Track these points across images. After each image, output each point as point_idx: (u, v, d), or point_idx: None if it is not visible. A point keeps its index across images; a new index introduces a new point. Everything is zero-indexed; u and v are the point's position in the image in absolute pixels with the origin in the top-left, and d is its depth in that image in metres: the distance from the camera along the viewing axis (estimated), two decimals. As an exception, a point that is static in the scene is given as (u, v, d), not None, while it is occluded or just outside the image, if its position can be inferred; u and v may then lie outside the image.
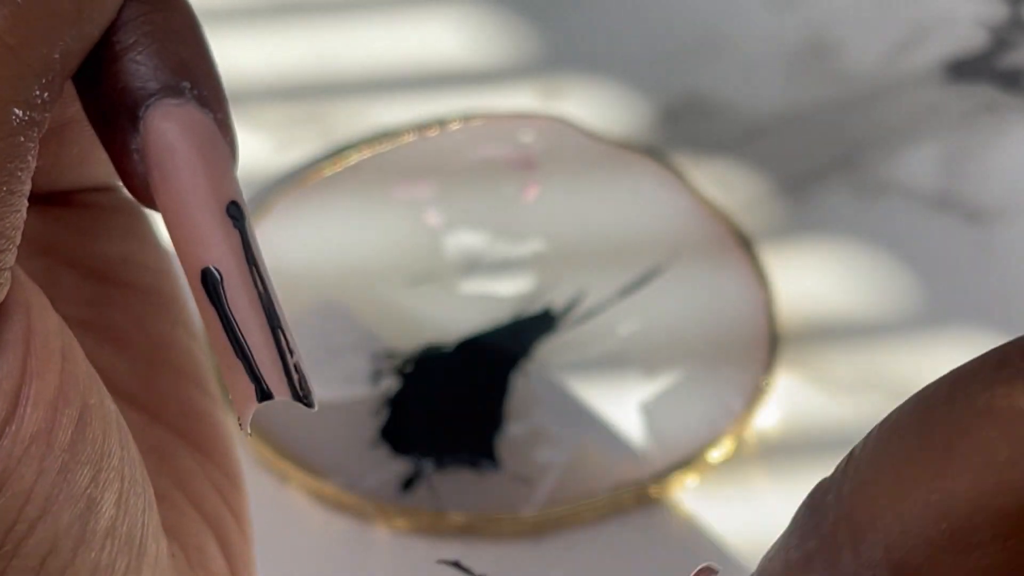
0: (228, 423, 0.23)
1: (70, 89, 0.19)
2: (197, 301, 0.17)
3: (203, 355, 0.23)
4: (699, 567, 0.16)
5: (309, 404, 0.17)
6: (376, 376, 0.41)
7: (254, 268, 0.18)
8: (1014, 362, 0.13)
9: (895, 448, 0.14)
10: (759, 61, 0.51)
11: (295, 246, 0.45)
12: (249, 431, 0.17)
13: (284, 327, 0.18)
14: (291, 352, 0.17)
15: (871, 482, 0.14)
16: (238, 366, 0.17)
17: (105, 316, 0.21)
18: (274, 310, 0.18)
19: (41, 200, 0.21)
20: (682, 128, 0.49)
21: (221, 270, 0.17)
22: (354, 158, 0.47)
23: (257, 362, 0.17)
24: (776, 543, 0.15)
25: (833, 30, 0.51)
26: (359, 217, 0.46)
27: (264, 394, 0.17)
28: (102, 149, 0.21)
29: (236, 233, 0.17)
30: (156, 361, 0.22)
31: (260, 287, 0.17)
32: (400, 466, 0.39)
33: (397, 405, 0.40)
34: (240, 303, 0.17)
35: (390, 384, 0.41)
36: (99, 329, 0.21)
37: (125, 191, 0.20)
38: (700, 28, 0.53)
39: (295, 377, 0.17)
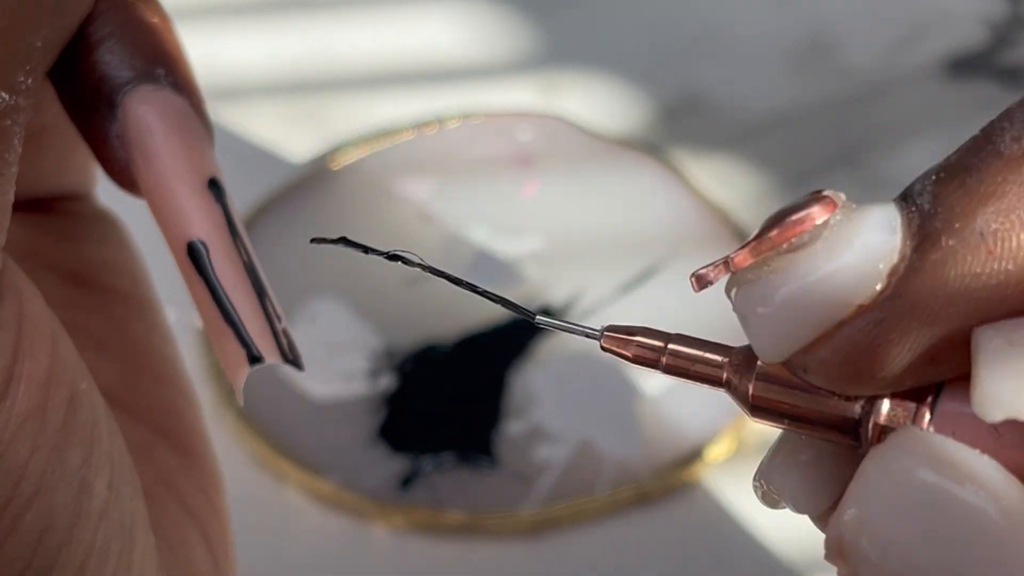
0: (206, 424, 0.23)
1: (45, 94, 0.19)
2: (184, 274, 0.18)
3: (180, 359, 0.23)
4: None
5: (298, 366, 0.18)
6: (375, 374, 0.41)
7: (237, 239, 0.18)
8: None
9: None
10: (759, 58, 0.51)
11: (294, 244, 0.45)
12: (242, 399, 0.18)
13: (269, 294, 0.18)
14: (278, 317, 0.18)
15: None
16: (228, 333, 0.18)
17: (85, 319, 0.22)
18: (259, 278, 0.18)
19: (21, 207, 0.21)
20: (681, 125, 0.49)
21: (206, 242, 0.18)
22: (353, 155, 0.47)
23: (246, 327, 0.18)
24: None
25: (833, 27, 0.51)
26: (358, 214, 0.46)
27: (254, 358, 0.18)
28: (77, 157, 0.22)
29: (218, 207, 0.18)
30: (136, 363, 0.22)
31: (244, 256, 0.18)
32: (398, 464, 0.39)
33: (395, 403, 0.40)
34: (226, 272, 0.18)
35: (388, 382, 0.41)
36: (80, 331, 0.21)
37: (100, 199, 0.20)
38: (699, 25, 0.52)
39: (283, 340, 0.18)
